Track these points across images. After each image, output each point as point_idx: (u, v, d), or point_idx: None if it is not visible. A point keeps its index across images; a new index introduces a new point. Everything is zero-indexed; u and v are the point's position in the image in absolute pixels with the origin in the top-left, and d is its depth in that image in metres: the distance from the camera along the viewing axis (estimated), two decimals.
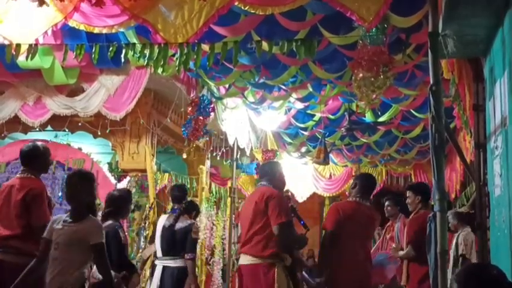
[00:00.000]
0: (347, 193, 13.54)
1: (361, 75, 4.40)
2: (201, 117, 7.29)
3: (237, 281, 4.84)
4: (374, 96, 4.57)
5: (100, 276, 4.78)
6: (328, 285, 4.72)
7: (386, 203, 6.64)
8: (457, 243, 6.98)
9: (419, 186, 5.99)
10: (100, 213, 6.42)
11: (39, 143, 4.95)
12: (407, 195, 5.74)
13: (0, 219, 4.53)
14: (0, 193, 4.63)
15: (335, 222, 4.82)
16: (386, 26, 4.72)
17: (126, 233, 7.28)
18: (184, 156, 8.14)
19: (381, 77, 4.38)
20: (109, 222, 4.95)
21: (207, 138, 8.56)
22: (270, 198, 4.65)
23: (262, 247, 4.56)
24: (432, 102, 3.50)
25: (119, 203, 5.09)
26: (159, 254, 5.97)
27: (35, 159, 4.66)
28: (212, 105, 7.52)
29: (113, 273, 4.80)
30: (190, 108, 7.35)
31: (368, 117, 8.50)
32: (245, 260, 4.65)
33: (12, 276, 4.34)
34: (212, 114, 7.75)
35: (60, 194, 7.98)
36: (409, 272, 5.41)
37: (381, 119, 8.44)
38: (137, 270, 5.22)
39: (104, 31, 5.10)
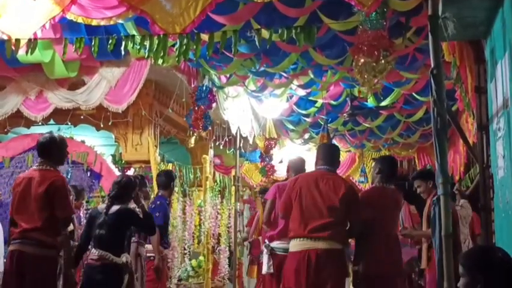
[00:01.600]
0: (350, 178, 13.62)
1: (362, 60, 4.37)
2: (202, 106, 7.30)
3: (298, 266, 4.60)
4: (376, 81, 4.54)
5: (116, 259, 4.81)
6: (362, 272, 4.75)
7: None
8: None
9: (426, 172, 5.95)
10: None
11: (56, 134, 4.94)
12: (417, 185, 5.68)
13: (20, 212, 4.52)
14: (18, 185, 4.61)
15: (365, 211, 4.76)
16: (385, 10, 4.67)
17: None
18: (191, 144, 8.09)
19: (382, 61, 4.35)
20: (118, 206, 4.95)
21: (210, 128, 8.58)
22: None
23: (342, 233, 4.64)
24: (433, 85, 3.48)
25: (125, 189, 5.09)
26: None
27: (53, 150, 4.65)
28: (212, 94, 7.52)
29: (129, 256, 4.85)
30: (192, 100, 7.38)
31: (370, 102, 8.48)
32: (322, 244, 4.56)
33: (32, 268, 4.39)
34: (214, 103, 7.75)
35: None
36: (430, 254, 5.44)
37: (383, 104, 8.42)
38: None
39: (103, 23, 5.08)
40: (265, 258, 6.08)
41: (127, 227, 4.95)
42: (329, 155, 4.96)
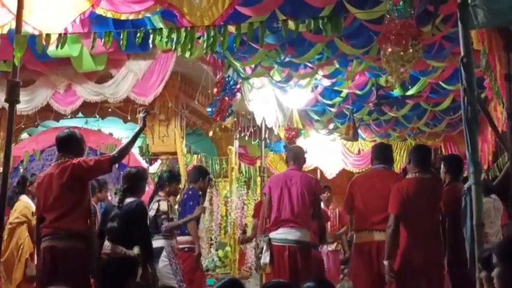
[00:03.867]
0: None
1: (390, 49, 4.34)
2: (226, 98, 7.35)
3: (363, 255, 5.14)
4: (403, 70, 4.52)
5: (129, 252, 4.84)
6: (397, 267, 4.75)
7: None
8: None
9: (447, 157, 6.05)
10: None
11: (75, 130, 5.04)
12: None
13: (48, 209, 4.54)
14: (40, 184, 4.66)
15: (399, 205, 4.75)
16: None
17: None
18: (210, 134, 8.17)
19: (410, 50, 4.32)
20: (131, 199, 4.98)
21: (235, 119, 8.61)
22: None
23: None
24: (463, 74, 3.47)
25: (135, 180, 5.12)
26: None
27: (72, 144, 4.73)
28: (238, 86, 7.56)
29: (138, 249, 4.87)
30: (215, 89, 7.42)
31: (396, 91, 8.43)
32: (381, 236, 4.98)
33: (63, 262, 4.44)
34: (238, 95, 7.78)
35: None
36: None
37: (409, 93, 8.37)
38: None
39: (131, 17, 5.17)
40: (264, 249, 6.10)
41: (138, 220, 4.92)
42: (381, 154, 5.41)
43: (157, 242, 5.72)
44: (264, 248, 5.67)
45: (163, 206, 5.93)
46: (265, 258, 5.66)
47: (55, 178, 4.54)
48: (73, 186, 4.51)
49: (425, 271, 4.66)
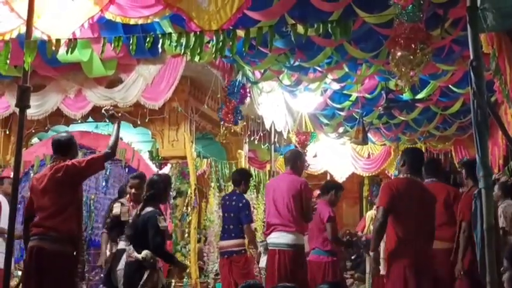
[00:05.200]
0: (386, 172, 13.54)
1: (399, 53, 4.34)
2: (233, 101, 7.38)
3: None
4: (413, 73, 4.50)
5: (137, 255, 4.89)
6: (387, 267, 4.68)
7: None
8: (496, 216, 6.83)
9: (468, 162, 5.89)
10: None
11: (71, 135, 5.06)
12: None
13: (42, 208, 4.53)
14: (35, 186, 4.64)
15: (388, 199, 4.68)
16: (422, 2, 4.63)
17: (169, 220, 7.46)
18: (219, 139, 8.22)
19: (419, 54, 4.31)
20: (149, 209, 5.00)
21: (244, 123, 8.63)
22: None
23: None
24: (473, 78, 3.45)
25: (160, 187, 5.13)
26: None
27: (73, 149, 4.77)
28: (245, 88, 7.58)
29: (149, 252, 4.91)
30: (224, 94, 7.48)
31: (406, 94, 8.41)
32: (439, 244, 5.07)
33: (49, 265, 4.41)
34: (248, 98, 7.80)
35: (104, 183, 8.16)
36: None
37: (419, 96, 8.35)
38: (177, 261, 5.41)
39: (140, 22, 5.20)
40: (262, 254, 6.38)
41: (147, 230, 4.94)
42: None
43: (120, 244, 5.87)
44: (262, 252, 5.74)
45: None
46: (263, 262, 5.76)
47: (48, 178, 4.54)
48: (65, 187, 4.51)
49: (418, 271, 4.58)
